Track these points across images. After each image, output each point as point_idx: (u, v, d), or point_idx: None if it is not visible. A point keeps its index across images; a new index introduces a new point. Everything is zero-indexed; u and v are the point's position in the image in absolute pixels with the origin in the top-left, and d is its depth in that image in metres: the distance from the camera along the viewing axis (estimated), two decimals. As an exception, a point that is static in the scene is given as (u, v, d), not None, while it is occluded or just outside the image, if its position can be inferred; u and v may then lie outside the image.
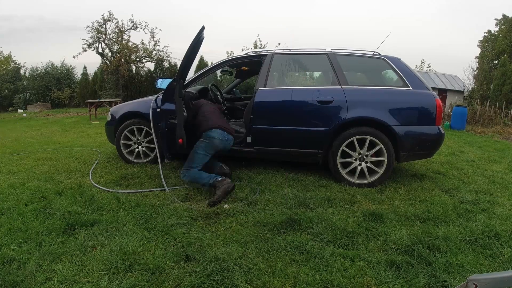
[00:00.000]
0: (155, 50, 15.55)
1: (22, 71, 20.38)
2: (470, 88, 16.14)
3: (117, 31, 15.09)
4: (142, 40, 16.62)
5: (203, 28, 2.87)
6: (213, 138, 2.93)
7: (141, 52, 15.58)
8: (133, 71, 16.05)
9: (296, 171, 3.52)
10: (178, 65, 16.65)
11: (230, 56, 4.31)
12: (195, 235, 2.02)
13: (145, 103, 3.80)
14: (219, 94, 3.99)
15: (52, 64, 18.88)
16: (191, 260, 1.75)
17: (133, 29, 14.96)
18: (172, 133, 3.01)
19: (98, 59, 17.21)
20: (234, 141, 3.38)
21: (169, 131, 3.11)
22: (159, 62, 15.79)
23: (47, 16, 45.08)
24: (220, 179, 2.66)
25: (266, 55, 3.52)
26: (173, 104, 3.02)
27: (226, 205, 2.58)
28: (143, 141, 3.77)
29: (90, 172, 3.45)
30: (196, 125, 3.20)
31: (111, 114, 3.96)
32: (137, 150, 3.80)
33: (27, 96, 18.39)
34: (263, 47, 13.63)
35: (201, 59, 15.45)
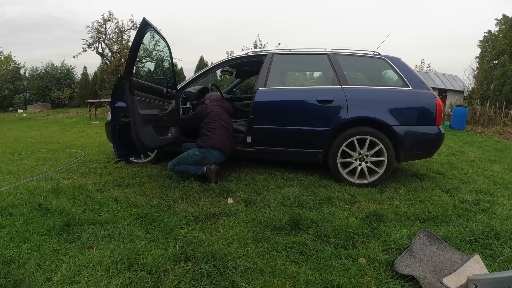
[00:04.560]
0: (155, 50, 15.56)
1: (22, 71, 20.42)
2: (470, 88, 16.15)
3: (117, 31, 15.11)
4: (142, 40, 16.60)
5: (143, 21, 2.67)
6: (208, 156, 3.06)
7: (141, 52, 15.58)
8: (133, 71, 16.04)
9: (296, 171, 3.52)
10: (179, 65, 16.66)
11: (230, 56, 4.31)
12: (196, 235, 2.02)
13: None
14: (219, 94, 3.99)
15: (52, 64, 18.93)
16: (191, 260, 1.74)
17: (133, 29, 14.98)
18: (125, 132, 2.73)
19: (98, 59, 17.24)
20: (234, 140, 3.40)
21: (122, 130, 2.79)
22: (159, 62, 15.79)
23: (45, 15, 45.10)
24: (205, 169, 3.04)
25: (266, 55, 3.52)
26: (124, 102, 2.73)
27: (230, 199, 2.64)
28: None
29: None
30: (197, 130, 3.23)
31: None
32: (137, 150, 3.79)
33: (27, 96, 18.41)
34: (263, 47, 13.63)
35: (201, 59, 15.45)
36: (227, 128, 3.22)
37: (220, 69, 4.05)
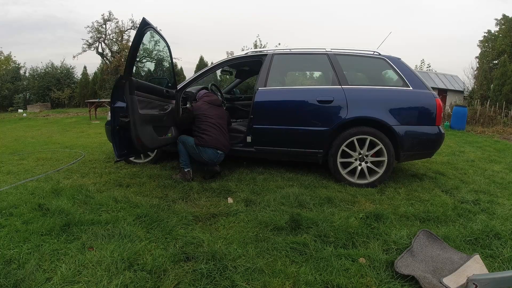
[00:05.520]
0: (155, 50, 15.56)
1: (22, 71, 20.43)
2: (470, 88, 16.16)
3: (117, 31, 15.12)
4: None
5: (143, 21, 2.66)
6: (202, 154, 3.13)
7: (141, 52, 15.58)
8: (133, 71, 16.06)
9: (296, 171, 3.52)
10: (179, 65, 16.64)
11: (230, 56, 4.31)
12: (196, 235, 2.02)
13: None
14: (219, 94, 4.00)
15: (52, 64, 18.95)
16: (191, 260, 1.74)
17: (133, 29, 14.99)
18: (124, 132, 2.72)
19: (98, 59, 17.26)
20: (235, 141, 3.41)
21: (121, 130, 2.77)
22: (159, 62, 15.80)
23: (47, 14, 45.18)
24: (186, 170, 3.16)
25: (266, 55, 3.52)
26: (123, 102, 2.73)
27: (230, 199, 2.65)
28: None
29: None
30: (192, 127, 3.24)
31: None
32: (137, 150, 3.79)
33: (27, 96, 18.40)
34: (263, 47, 13.63)
35: (201, 59, 15.45)
36: (218, 123, 3.22)
37: (220, 69, 4.05)
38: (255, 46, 14.10)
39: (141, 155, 3.76)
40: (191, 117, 3.22)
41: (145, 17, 2.65)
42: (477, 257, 1.74)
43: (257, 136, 3.36)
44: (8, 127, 9.10)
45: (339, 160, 3.15)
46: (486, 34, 19.62)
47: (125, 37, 15.37)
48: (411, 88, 3.14)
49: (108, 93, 14.36)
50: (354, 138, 3.09)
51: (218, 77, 9.45)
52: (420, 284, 1.53)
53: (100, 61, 16.46)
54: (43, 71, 18.59)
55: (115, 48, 15.44)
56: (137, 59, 2.78)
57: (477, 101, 11.89)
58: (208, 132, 3.12)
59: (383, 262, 1.74)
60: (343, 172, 3.15)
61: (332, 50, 3.39)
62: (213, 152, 3.12)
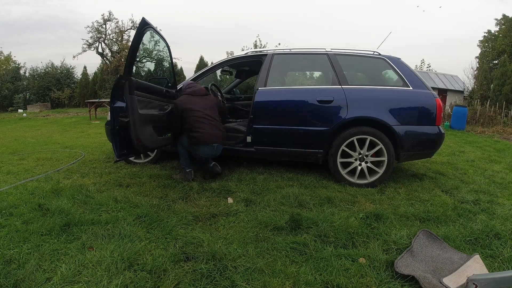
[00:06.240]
0: (155, 50, 15.55)
1: (22, 71, 20.44)
2: (470, 88, 16.17)
3: (117, 31, 15.13)
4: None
5: (143, 21, 2.65)
6: (198, 153, 3.12)
7: (141, 52, 15.58)
8: (133, 71, 16.07)
9: (296, 171, 3.52)
10: (179, 65, 16.64)
11: (230, 56, 4.31)
12: (196, 235, 2.02)
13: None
14: (219, 94, 4.00)
15: (52, 64, 18.96)
16: (191, 260, 1.75)
17: (133, 29, 14.99)
18: (124, 132, 2.70)
19: (98, 59, 17.27)
20: (235, 141, 3.41)
21: (121, 130, 2.75)
22: (159, 62, 15.79)
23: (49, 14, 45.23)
24: (188, 171, 3.17)
25: (266, 54, 3.52)
26: (122, 102, 2.71)
27: (230, 199, 2.65)
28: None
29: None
30: (183, 126, 3.15)
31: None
32: (137, 150, 3.78)
33: (27, 96, 18.41)
34: (263, 47, 13.63)
35: (201, 59, 15.45)
36: (206, 115, 3.09)
37: (220, 69, 4.05)
38: (255, 46, 14.09)
39: (141, 155, 3.76)
40: (178, 114, 3.10)
41: (144, 17, 2.65)
42: (477, 257, 1.74)
43: (257, 136, 3.36)
44: (8, 127, 9.11)
45: (339, 160, 3.15)
46: (486, 34, 19.62)
47: (125, 37, 15.39)
48: (411, 88, 3.14)
49: (108, 93, 14.35)
50: (354, 138, 3.09)
51: (218, 77, 9.44)
52: (420, 284, 1.53)
53: (100, 61, 16.50)
54: (43, 71, 18.60)
55: (115, 48, 15.45)
56: (137, 59, 2.78)
57: (477, 101, 11.89)
58: (197, 128, 3.03)
59: (383, 262, 1.74)
60: (343, 172, 3.15)
61: (332, 50, 3.39)
62: (209, 148, 3.08)
